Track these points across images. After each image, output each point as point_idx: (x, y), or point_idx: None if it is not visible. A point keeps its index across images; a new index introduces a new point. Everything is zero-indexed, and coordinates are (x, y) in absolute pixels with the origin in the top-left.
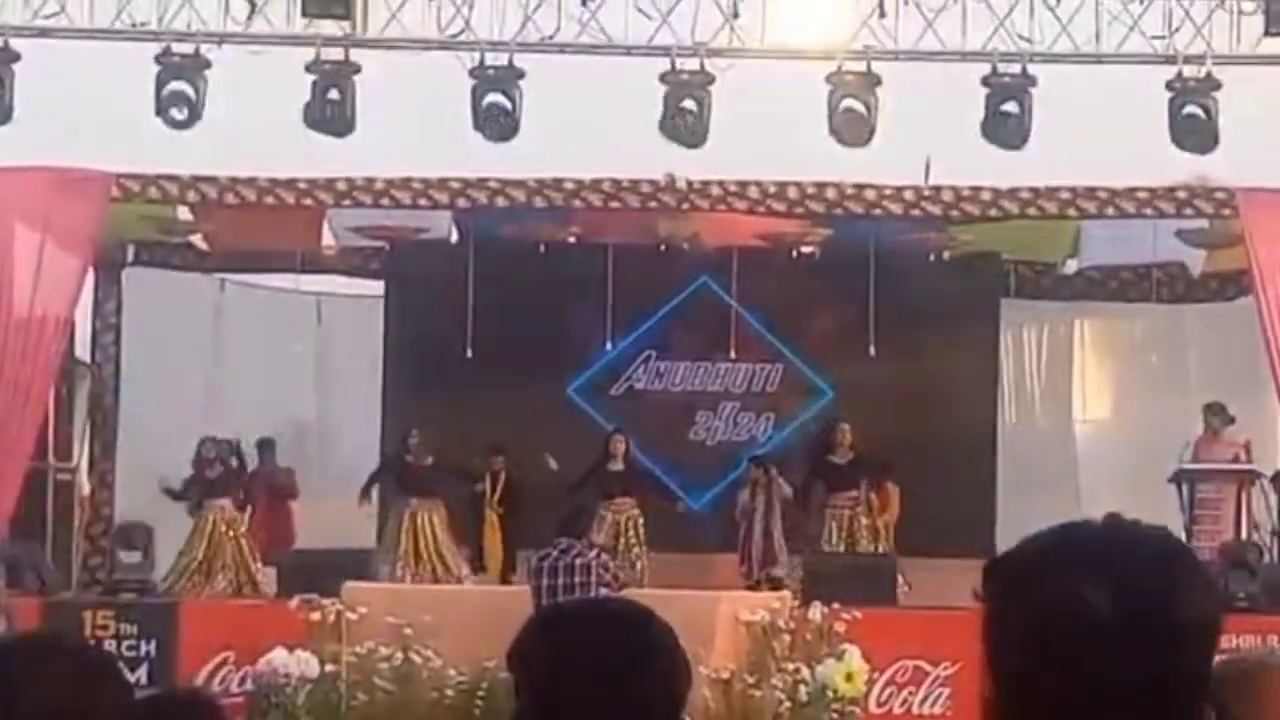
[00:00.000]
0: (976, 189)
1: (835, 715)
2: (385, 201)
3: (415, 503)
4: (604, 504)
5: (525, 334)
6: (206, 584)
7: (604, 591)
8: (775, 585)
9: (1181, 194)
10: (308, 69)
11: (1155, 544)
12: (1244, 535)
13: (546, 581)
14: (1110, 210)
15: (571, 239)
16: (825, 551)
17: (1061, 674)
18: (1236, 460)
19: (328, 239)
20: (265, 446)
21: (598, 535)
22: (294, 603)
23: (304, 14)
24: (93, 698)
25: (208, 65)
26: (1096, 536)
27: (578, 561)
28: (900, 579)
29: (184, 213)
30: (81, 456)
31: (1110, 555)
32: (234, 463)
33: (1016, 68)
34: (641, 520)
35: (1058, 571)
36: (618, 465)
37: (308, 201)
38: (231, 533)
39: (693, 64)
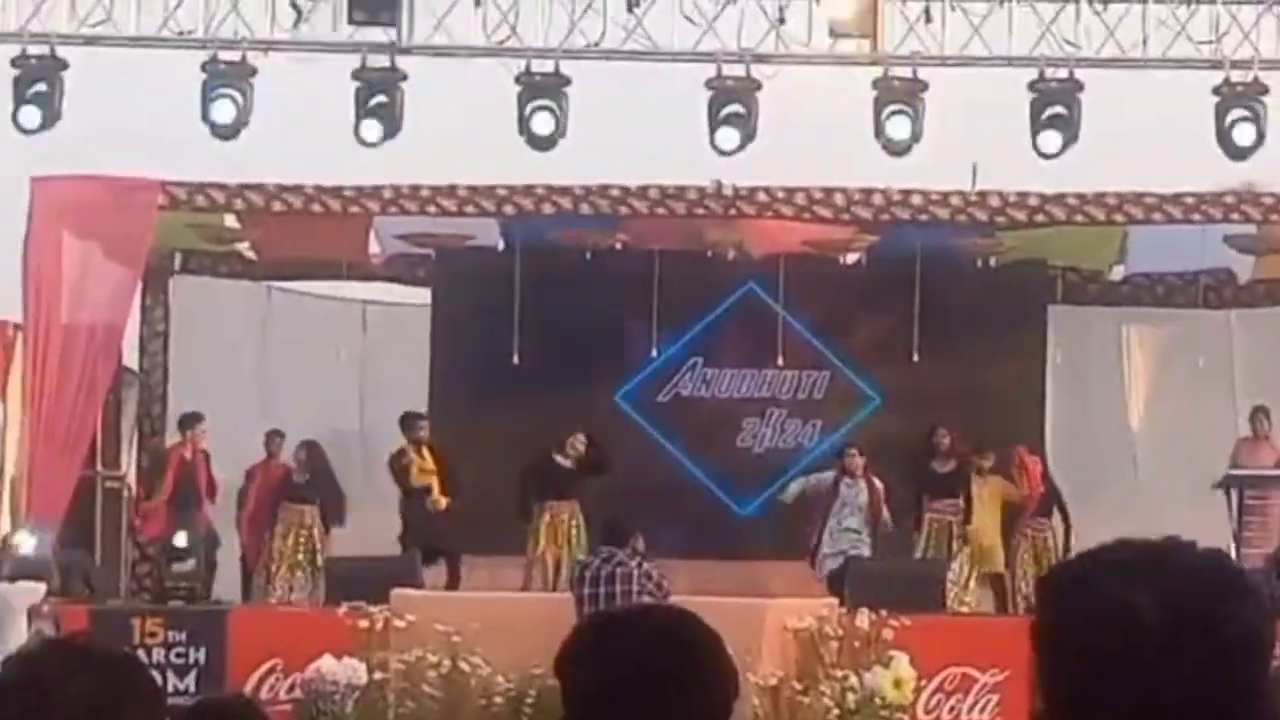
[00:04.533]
0: (1023, 194)
1: None
2: (431, 209)
3: (555, 505)
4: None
5: (572, 341)
6: None
7: (647, 599)
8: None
9: (1229, 199)
10: (354, 76)
11: (1207, 561)
12: None
13: (589, 590)
14: (1157, 216)
15: (618, 246)
16: (871, 558)
17: (1112, 687)
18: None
19: (374, 247)
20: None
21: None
22: (342, 610)
23: (350, 21)
24: (120, 702)
25: (254, 72)
26: (1149, 552)
27: (619, 570)
28: None
29: (230, 220)
30: (130, 464)
31: (1162, 570)
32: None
33: (1063, 73)
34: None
35: (1110, 585)
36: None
37: (354, 209)
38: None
39: (738, 70)
